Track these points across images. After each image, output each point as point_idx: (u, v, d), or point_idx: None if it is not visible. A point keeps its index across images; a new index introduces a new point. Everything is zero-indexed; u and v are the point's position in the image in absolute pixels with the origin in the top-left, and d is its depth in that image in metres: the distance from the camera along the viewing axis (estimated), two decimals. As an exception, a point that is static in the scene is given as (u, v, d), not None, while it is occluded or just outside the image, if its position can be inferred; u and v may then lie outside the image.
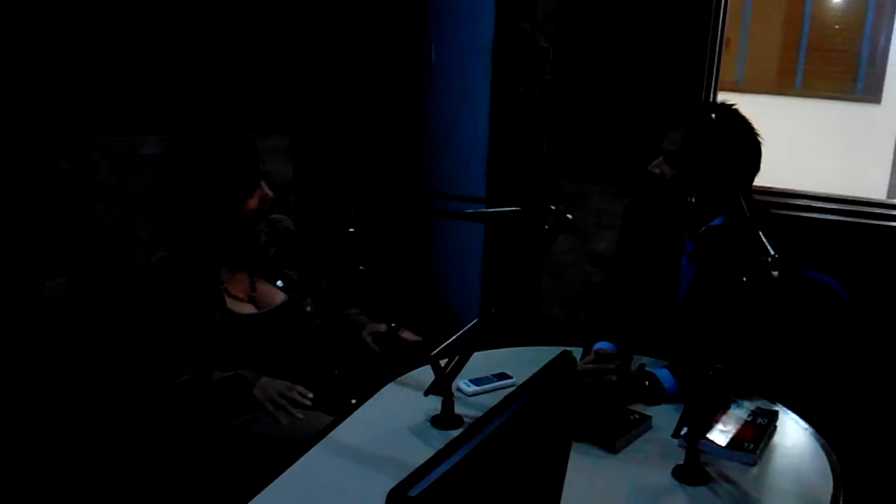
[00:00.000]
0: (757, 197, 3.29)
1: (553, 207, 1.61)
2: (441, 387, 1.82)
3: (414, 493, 0.94)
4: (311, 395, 1.92)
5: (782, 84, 6.43)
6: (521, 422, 1.15)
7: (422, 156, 4.81)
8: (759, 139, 2.11)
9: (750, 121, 2.12)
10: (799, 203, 3.38)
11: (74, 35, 3.55)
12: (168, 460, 2.09)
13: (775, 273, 1.42)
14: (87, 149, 3.65)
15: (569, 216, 1.60)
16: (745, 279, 1.47)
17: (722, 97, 3.09)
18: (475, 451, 1.04)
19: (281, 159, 3.99)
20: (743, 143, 2.07)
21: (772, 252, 1.45)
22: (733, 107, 2.14)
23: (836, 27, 6.53)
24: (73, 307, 3.64)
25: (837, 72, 6.36)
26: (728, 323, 1.79)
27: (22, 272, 3.43)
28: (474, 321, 1.76)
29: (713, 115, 1.85)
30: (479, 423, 1.07)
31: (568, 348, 1.43)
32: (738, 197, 1.59)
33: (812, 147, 5.84)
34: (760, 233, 1.49)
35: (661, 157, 2.10)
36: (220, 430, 1.97)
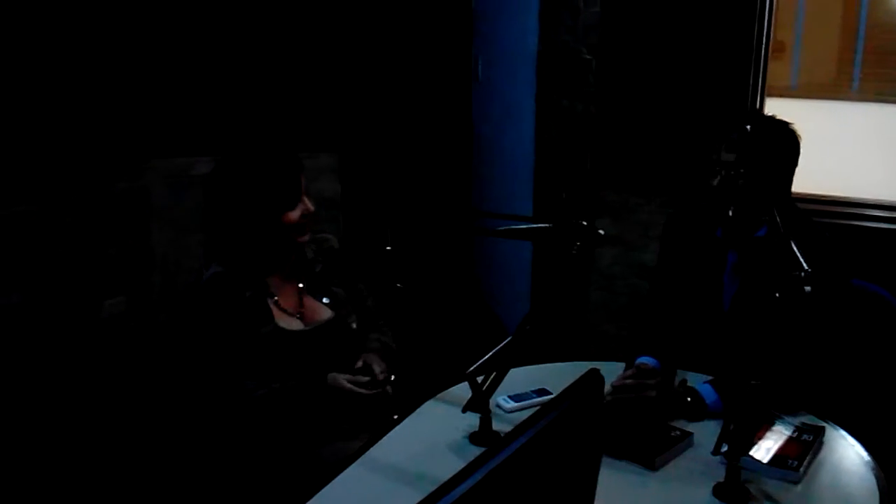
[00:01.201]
0: (811, 206, 3.22)
1: (585, 223, 1.60)
2: (478, 403, 1.82)
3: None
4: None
5: (838, 88, 6.28)
6: (545, 440, 1.14)
7: (470, 171, 4.82)
8: (797, 137, 2.06)
9: (785, 121, 2.08)
10: (856, 212, 3.28)
11: (128, 59, 3.66)
12: (215, 473, 2.14)
13: (808, 288, 1.39)
14: (141, 170, 3.75)
15: (600, 232, 1.59)
16: (777, 294, 1.44)
17: (775, 104, 3.03)
18: (498, 470, 1.04)
19: (329, 178, 4.04)
20: (782, 148, 2.03)
21: (805, 266, 1.42)
22: (771, 115, 2.11)
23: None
24: (132, 325, 3.74)
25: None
26: (770, 337, 1.75)
27: (80, 291, 3.53)
28: (508, 338, 1.76)
29: (748, 127, 1.83)
30: (503, 441, 1.08)
31: (597, 364, 1.42)
32: (773, 210, 1.56)
33: (871, 152, 5.69)
34: (794, 247, 1.46)
35: (719, 168, 2.07)
36: (267, 445, 2.02)
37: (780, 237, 1.50)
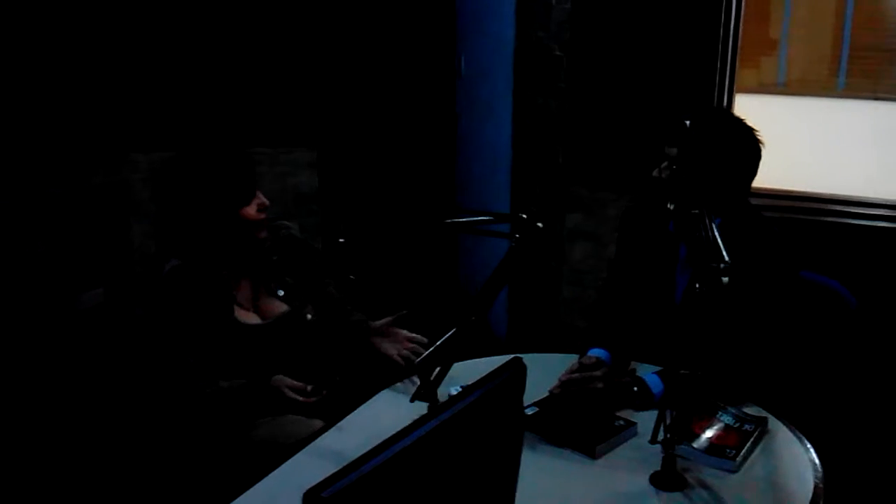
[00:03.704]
0: (795, 203, 3.20)
1: (524, 217, 1.63)
2: (426, 393, 1.84)
3: (328, 493, 0.98)
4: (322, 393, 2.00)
5: (826, 85, 6.27)
6: (457, 427, 1.17)
7: (454, 166, 4.84)
8: (760, 142, 2.08)
9: (746, 123, 2.10)
10: (843, 210, 3.28)
11: (106, 53, 3.69)
12: (164, 462, 2.17)
13: (725, 279, 1.41)
14: (120, 164, 3.78)
15: (539, 225, 1.61)
16: (696, 286, 1.47)
17: (763, 100, 3.04)
18: (400, 456, 1.07)
19: (307, 172, 4.07)
20: (726, 143, 2.05)
21: (725, 258, 1.44)
22: (729, 111, 2.13)
23: (886, 25, 6.33)
24: (109, 317, 3.77)
25: (884, 71, 6.16)
26: (708, 329, 1.78)
27: (58, 283, 3.56)
28: (453, 330, 1.78)
29: (687, 122, 1.85)
30: (409, 427, 1.10)
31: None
32: (702, 205, 1.58)
33: (858, 149, 5.69)
34: (718, 240, 1.49)
35: (665, 163, 2.09)
36: (223, 433, 2.04)
37: (704, 231, 1.53)
